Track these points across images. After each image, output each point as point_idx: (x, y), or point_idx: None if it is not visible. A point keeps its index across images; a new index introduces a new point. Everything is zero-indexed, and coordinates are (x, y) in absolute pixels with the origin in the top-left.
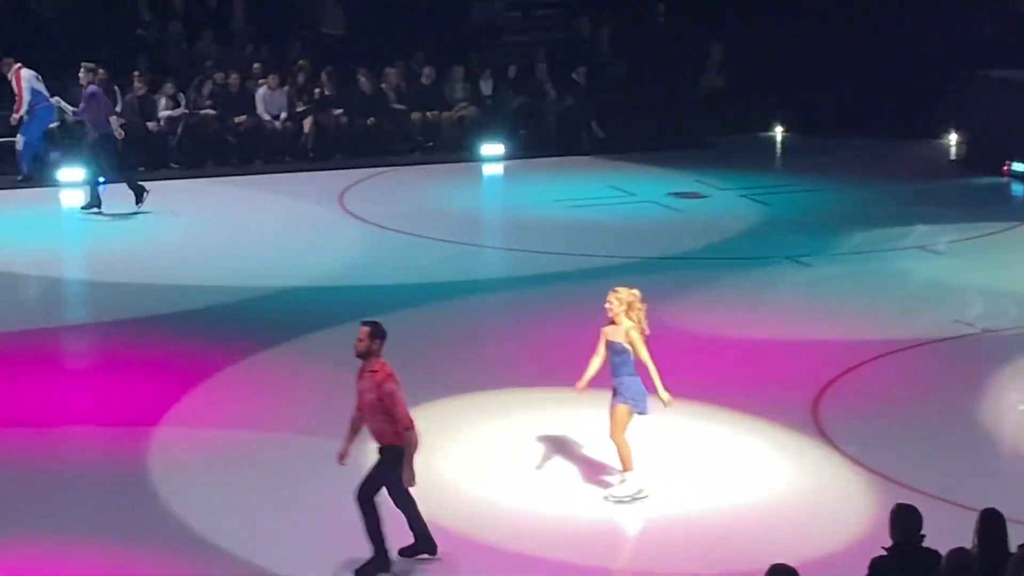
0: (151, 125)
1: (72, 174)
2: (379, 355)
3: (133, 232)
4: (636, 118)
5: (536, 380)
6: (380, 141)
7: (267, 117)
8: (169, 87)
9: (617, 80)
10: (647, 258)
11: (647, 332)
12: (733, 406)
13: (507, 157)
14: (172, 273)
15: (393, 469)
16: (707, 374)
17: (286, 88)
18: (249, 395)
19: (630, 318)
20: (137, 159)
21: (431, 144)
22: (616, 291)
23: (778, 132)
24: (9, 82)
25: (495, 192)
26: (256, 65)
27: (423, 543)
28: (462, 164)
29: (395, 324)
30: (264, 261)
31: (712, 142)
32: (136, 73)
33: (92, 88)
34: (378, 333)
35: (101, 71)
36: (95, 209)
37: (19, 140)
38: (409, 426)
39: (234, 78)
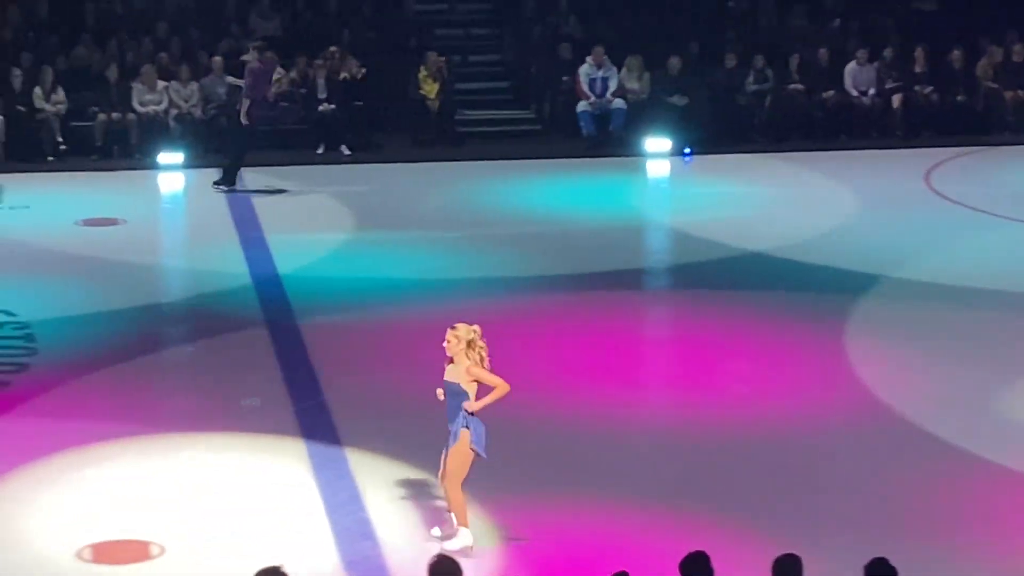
0: (740, 99)
1: (659, 144)
2: None
3: (713, 203)
4: None
5: None
6: (971, 120)
7: (855, 93)
8: (759, 60)
9: None
10: None
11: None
12: None
13: None
14: (746, 244)
15: None
16: None
17: (875, 63)
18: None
19: (470, 356)
20: (720, 132)
21: None
22: (455, 328)
23: None
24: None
25: None
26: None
27: None
28: None
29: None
30: (844, 238)
31: None
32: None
33: (253, 65)
34: None
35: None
36: (225, 187)
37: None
38: None
39: (823, 52)
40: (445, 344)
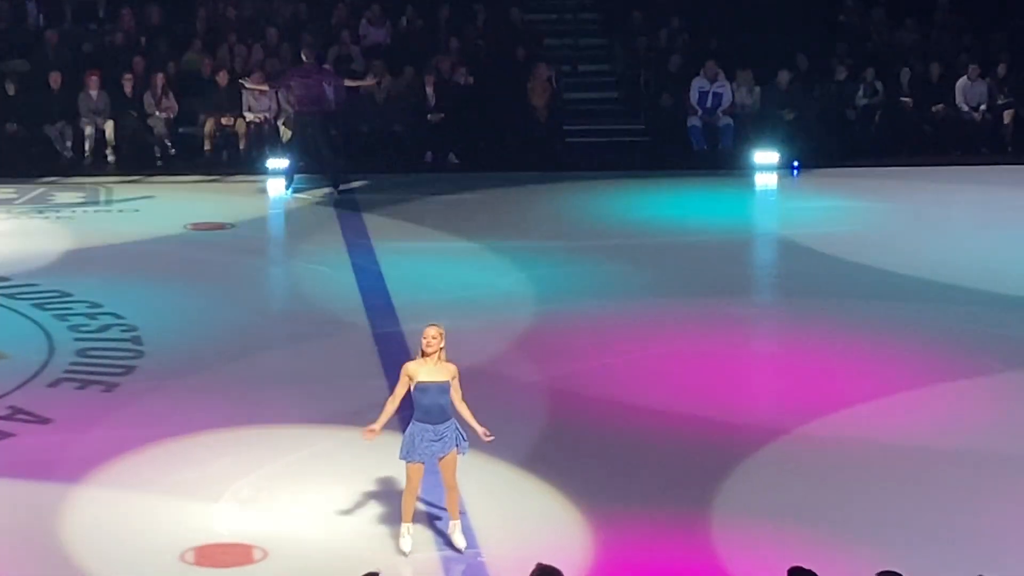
0: (849, 113)
1: (768, 157)
2: None
3: (820, 216)
4: None
5: None
6: None
7: (966, 108)
8: (869, 74)
9: None
10: None
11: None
12: None
13: None
14: (854, 257)
15: None
16: None
17: (987, 79)
18: None
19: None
20: (829, 146)
21: None
22: (437, 325)
23: None
24: None
25: None
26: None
27: None
28: None
29: None
30: (953, 254)
31: None
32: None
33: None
34: None
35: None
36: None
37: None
38: None
39: (934, 67)
40: (430, 343)
